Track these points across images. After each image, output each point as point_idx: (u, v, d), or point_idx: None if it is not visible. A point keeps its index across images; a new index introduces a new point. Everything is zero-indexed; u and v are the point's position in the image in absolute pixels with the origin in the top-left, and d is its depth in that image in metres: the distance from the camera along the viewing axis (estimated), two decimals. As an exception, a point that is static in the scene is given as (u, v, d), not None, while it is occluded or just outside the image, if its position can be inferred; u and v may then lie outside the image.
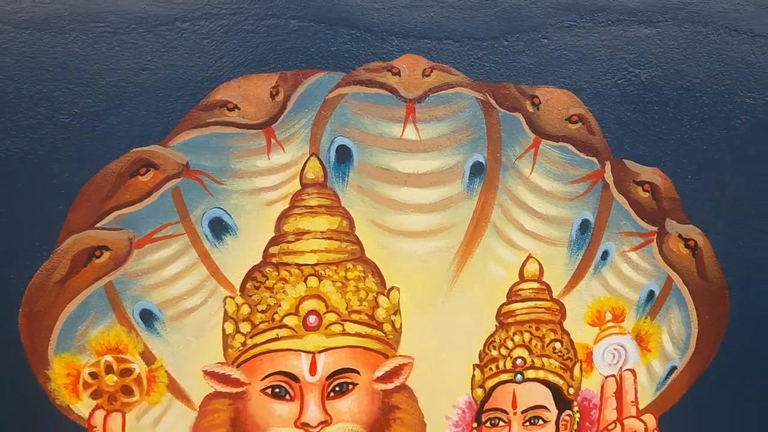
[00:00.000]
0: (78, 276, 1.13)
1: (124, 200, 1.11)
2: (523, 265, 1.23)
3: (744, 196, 1.29)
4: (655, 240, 1.24)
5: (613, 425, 1.28)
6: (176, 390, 1.19)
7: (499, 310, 1.23)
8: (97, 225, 1.11)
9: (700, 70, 1.24)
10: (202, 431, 1.20)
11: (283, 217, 1.16)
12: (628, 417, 1.28)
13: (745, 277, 1.30)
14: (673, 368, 1.29)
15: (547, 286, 1.24)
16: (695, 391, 1.31)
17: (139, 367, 1.17)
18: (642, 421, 1.28)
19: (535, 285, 1.24)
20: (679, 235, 1.24)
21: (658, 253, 1.25)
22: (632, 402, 1.28)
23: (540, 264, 1.23)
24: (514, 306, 1.24)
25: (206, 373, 1.18)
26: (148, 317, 1.17)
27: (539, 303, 1.24)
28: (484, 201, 1.19)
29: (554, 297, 1.24)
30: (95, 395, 1.16)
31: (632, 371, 1.27)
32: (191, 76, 1.11)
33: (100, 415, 1.17)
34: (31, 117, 1.09)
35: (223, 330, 1.17)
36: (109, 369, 1.15)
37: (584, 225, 1.23)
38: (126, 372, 1.16)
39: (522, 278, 1.23)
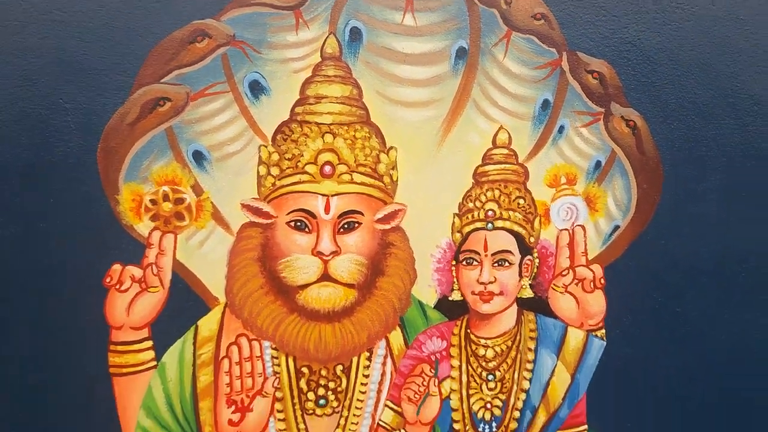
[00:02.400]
0: (145, 120, 1.36)
1: (184, 62, 1.35)
2: (496, 134, 1.43)
3: (677, 87, 1.46)
4: (602, 119, 1.44)
5: (566, 271, 1.45)
6: (219, 218, 1.38)
7: (475, 170, 1.43)
8: (162, 80, 1.34)
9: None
10: (237, 253, 1.38)
11: (306, 83, 1.38)
12: (579, 265, 1.45)
13: (676, 153, 1.46)
14: (617, 227, 1.46)
15: (514, 152, 1.43)
16: (635, 247, 1.46)
17: (189, 197, 1.37)
18: (590, 269, 1.45)
19: (505, 151, 1.43)
20: (622, 117, 1.44)
21: (604, 130, 1.44)
22: (582, 253, 1.45)
23: (509, 134, 1.43)
24: (487, 168, 1.43)
25: (243, 205, 1.37)
26: (198, 157, 1.38)
27: (507, 166, 1.43)
28: (466, 80, 1.41)
29: (519, 162, 1.43)
30: (153, 218, 1.36)
31: (582, 227, 1.45)
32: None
33: (156, 234, 1.37)
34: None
35: (258, 172, 1.38)
36: (165, 197, 1.36)
37: (545, 104, 1.44)
38: (179, 201, 1.37)
39: (494, 145, 1.43)
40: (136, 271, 1.38)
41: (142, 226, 1.39)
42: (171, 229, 1.39)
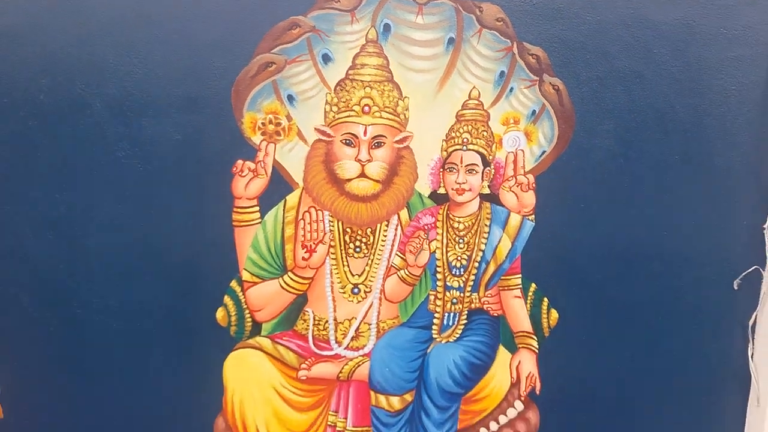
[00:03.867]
0: (260, 75, 1.68)
1: (284, 41, 1.67)
2: (470, 91, 1.72)
3: (588, 65, 1.67)
4: (537, 84, 1.70)
5: (511, 178, 1.76)
6: (301, 136, 1.73)
7: (457, 113, 1.72)
8: (270, 51, 1.67)
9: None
10: (310, 157, 1.74)
11: (356, 56, 1.67)
12: (519, 174, 1.76)
13: (584, 105, 1.71)
14: (544, 152, 1.75)
15: (482, 103, 1.73)
16: (556, 164, 1.74)
17: (284, 122, 1.70)
18: (526, 177, 1.75)
19: (476, 102, 1.72)
20: (550, 83, 1.70)
21: (538, 91, 1.70)
22: (521, 167, 1.75)
23: (479, 91, 1.71)
24: (464, 112, 1.73)
25: (316, 129, 1.72)
26: (290, 99, 1.70)
27: (477, 111, 1.73)
28: (453, 57, 1.69)
29: (485, 108, 1.73)
30: (262, 134, 1.71)
31: (522, 151, 1.75)
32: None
33: (264, 144, 1.73)
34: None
35: (325, 109, 1.71)
36: (270, 122, 1.69)
37: (502, 74, 1.71)
38: (278, 124, 1.71)
39: (469, 98, 1.72)
40: (251, 165, 1.74)
41: (256, 139, 1.73)
42: (272, 141, 1.74)
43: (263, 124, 1.71)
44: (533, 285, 1.84)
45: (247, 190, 1.75)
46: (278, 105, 1.72)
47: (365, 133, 1.72)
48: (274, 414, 1.80)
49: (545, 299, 1.84)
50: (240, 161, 1.74)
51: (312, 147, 1.75)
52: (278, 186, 1.76)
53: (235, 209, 1.75)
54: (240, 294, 1.80)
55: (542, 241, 1.80)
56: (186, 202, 1.73)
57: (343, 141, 1.72)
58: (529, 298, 1.85)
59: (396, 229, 1.79)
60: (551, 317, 1.84)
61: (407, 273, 1.80)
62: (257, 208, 1.78)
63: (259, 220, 1.76)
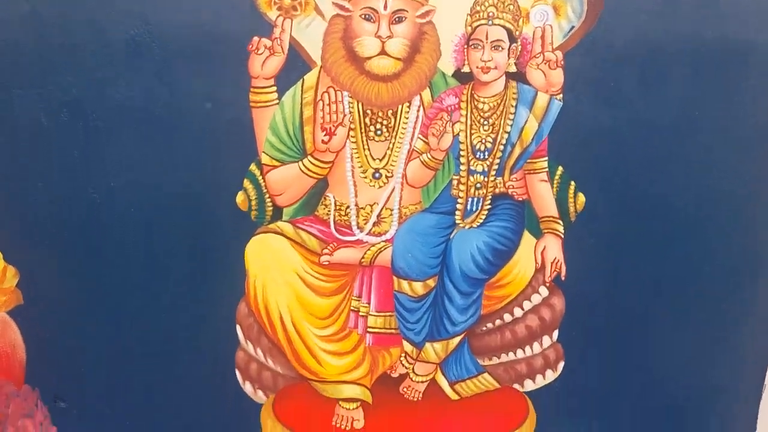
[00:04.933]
0: None
1: None
2: None
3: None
4: None
5: (538, 55, 1.71)
6: (318, 11, 1.70)
7: None
8: None
9: None
10: (329, 33, 1.69)
11: None
12: (547, 51, 1.70)
13: None
14: (572, 27, 1.69)
15: None
16: (584, 41, 1.68)
17: None
18: (554, 54, 1.71)
19: None
20: None
21: None
22: (549, 43, 1.69)
23: None
24: None
25: (334, 2, 1.69)
26: None
27: None
28: None
29: None
30: (279, 9, 1.69)
31: (550, 26, 1.70)
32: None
33: (280, 19, 1.68)
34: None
35: None
36: None
37: None
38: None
39: None
40: (268, 42, 1.70)
41: (271, 14, 1.69)
42: (289, 16, 1.69)
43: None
44: (560, 168, 1.83)
45: (263, 68, 1.72)
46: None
47: (385, 6, 1.66)
48: (297, 299, 1.81)
49: (572, 183, 1.82)
50: (256, 38, 1.70)
51: (330, 23, 1.69)
52: (296, 65, 1.74)
53: (252, 89, 1.73)
54: (260, 178, 1.81)
55: (570, 122, 1.76)
56: (202, 81, 1.71)
57: (362, 16, 1.68)
58: (555, 181, 1.83)
59: (418, 111, 1.77)
60: (578, 202, 1.82)
61: (430, 157, 1.78)
62: (274, 88, 1.76)
63: (277, 101, 1.75)
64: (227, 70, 1.70)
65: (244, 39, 1.69)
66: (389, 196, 1.81)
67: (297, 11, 1.68)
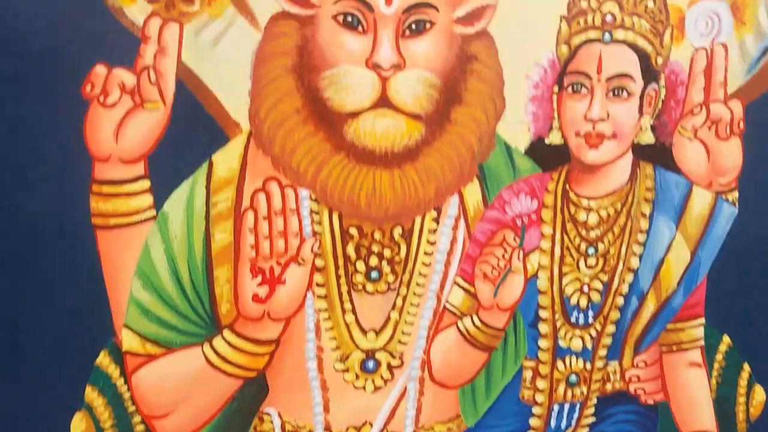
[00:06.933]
0: None
1: None
2: None
3: None
4: None
5: (698, 108, 1.25)
6: (241, 4, 1.14)
7: None
8: None
9: None
10: (266, 56, 1.15)
11: None
12: (715, 101, 1.26)
13: None
14: (767, 49, 1.26)
15: None
16: None
17: None
18: (728, 107, 1.26)
19: None
20: None
21: None
22: (721, 83, 1.25)
23: None
24: None
25: None
26: None
27: None
28: None
29: None
30: (151, 1, 1.11)
31: (724, 46, 1.25)
32: None
33: (155, 23, 1.12)
34: None
35: None
36: None
37: None
38: None
39: None
40: (128, 77, 1.13)
41: (136, 10, 1.13)
42: (175, 16, 1.14)
43: (151, -24, 1.12)
44: (725, 339, 1.36)
45: (120, 138, 1.15)
46: (184, -70, 1.12)
47: None
48: None
49: (745, 367, 1.38)
50: (100, 68, 1.13)
51: (268, 33, 1.17)
52: (192, 129, 1.18)
53: (94, 188, 1.17)
54: (118, 380, 1.27)
55: (747, 247, 1.32)
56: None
57: (340, 17, 1.14)
58: (716, 364, 1.38)
59: (455, 229, 1.26)
60: (755, 402, 1.40)
61: (478, 323, 1.27)
62: (146, 185, 1.18)
63: (153, 214, 1.20)
64: (44, 137, 1.17)
65: (79, 66, 1.13)
66: (394, 408, 1.30)
67: (193, 5, 1.14)
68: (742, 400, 1.39)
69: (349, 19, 1.14)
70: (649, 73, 1.23)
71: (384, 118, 1.17)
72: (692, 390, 1.36)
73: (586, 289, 1.30)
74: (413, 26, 1.15)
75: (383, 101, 1.16)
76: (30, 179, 1.22)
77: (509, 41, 1.20)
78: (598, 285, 1.30)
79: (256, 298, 1.20)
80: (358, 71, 1.15)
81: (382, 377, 1.29)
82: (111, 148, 1.15)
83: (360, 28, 1.14)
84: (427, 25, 1.16)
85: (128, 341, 1.23)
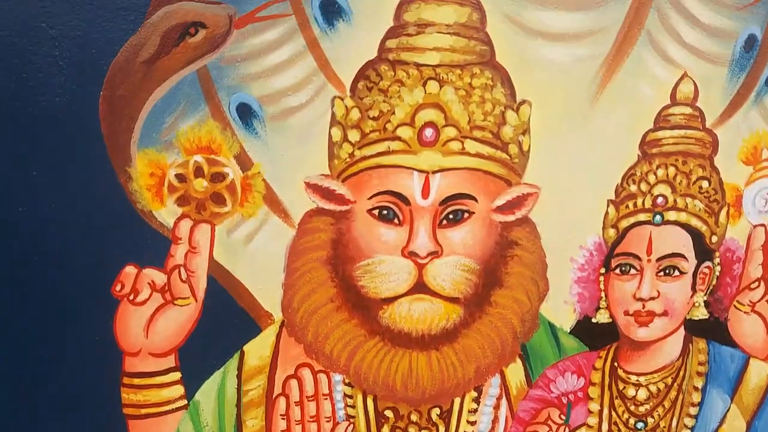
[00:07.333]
0: (168, 57, 1.09)
1: None
2: (677, 84, 1.16)
3: None
4: None
5: (756, 284, 1.22)
6: (274, 202, 1.15)
7: (643, 137, 1.17)
8: None
9: None
10: (299, 252, 1.15)
11: (405, 2, 1.09)
12: None
13: None
14: None
15: (701, 112, 1.16)
16: None
17: (233, 172, 1.13)
18: None
19: (688, 110, 1.16)
20: None
21: None
22: None
23: (695, 85, 1.16)
24: (661, 134, 1.17)
25: (308, 185, 1.14)
26: (246, 113, 1.13)
27: (690, 132, 1.17)
28: (640, 1, 1.11)
29: (707, 126, 1.17)
30: (181, 201, 1.12)
31: None
32: None
33: (186, 225, 1.13)
34: None
35: (330, 137, 1.13)
36: (198, 172, 1.11)
37: (750, 41, 1.15)
38: (218, 177, 1.12)
39: (673, 101, 1.17)
40: (158, 276, 1.16)
41: (165, 213, 1.14)
42: (207, 218, 1.16)
43: (182, 177, 1.14)
44: None
45: (150, 334, 1.17)
46: (216, 130, 1.14)
47: (426, 190, 1.15)
48: None
49: None
50: (130, 268, 1.15)
51: (302, 229, 1.19)
52: (223, 322, 1.19)
53: (125, 380, 1.17)
54: None
55: None
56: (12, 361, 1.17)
57: (376, 212, 1.16)
58: None
59: (497, 409, 1.26)
60: None
61: None
62: (177, 376, 1.18)
63: (185, 403, 1.20)
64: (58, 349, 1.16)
65: (100, 274, 1.14)
66: None
67: (225, 206, 1.15)
68: None
69: (385, 212, 1.14)
70: (703, 252, 1.21)
71: (421, 302, 1.17)
72: None
73: (635, 461, 1.28)
74: (450, 216, 1.15)
75: (419, 287, 1.16)
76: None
77: (552, 225, 1.19)
78: (648, 457, 1.29)
79: None
80: (394, 260, 1.15)
81: None
82: (141, 343, 1.16)
83: (396, 221, 1.14)
84: (465, 215, 1.15)
85: None
